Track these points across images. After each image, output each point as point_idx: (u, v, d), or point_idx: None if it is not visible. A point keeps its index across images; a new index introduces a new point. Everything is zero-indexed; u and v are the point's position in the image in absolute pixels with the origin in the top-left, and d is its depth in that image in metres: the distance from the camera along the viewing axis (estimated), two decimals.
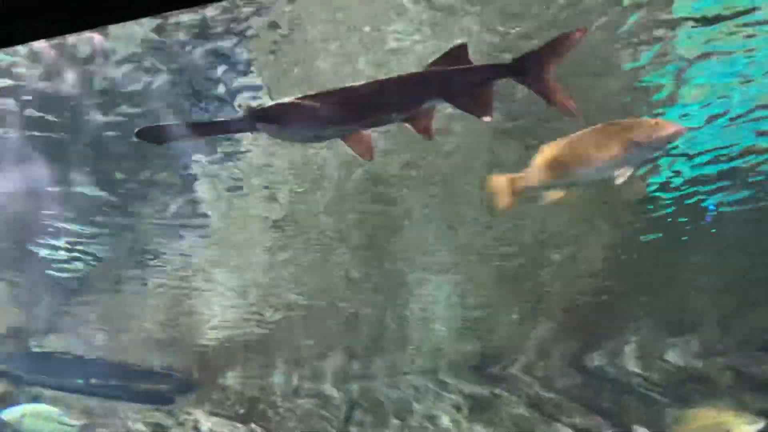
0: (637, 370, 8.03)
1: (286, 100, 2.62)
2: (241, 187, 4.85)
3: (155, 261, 5.98)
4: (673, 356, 7.93)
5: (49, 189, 4.80)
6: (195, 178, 4.71)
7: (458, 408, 8.09)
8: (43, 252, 5.95)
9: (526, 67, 2.46)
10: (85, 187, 4.79)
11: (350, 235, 5.61)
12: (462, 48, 2.59)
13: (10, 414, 7.03)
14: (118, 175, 4.69)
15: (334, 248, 5.87)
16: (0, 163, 4.43)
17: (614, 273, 6.79)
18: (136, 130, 2.63)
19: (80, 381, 8.45)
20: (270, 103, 2.89)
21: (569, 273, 6.68)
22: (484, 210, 5.07)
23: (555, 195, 3.22)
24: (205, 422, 8.07)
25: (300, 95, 2.59)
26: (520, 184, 3.23)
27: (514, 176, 3.23)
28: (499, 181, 3.27)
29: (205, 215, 5.25)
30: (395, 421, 8.07)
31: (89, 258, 5.97)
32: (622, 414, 7.77)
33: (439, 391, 8.29)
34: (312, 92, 2.57)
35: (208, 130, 3.15)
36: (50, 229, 5.51)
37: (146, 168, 4.56)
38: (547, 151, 3.14)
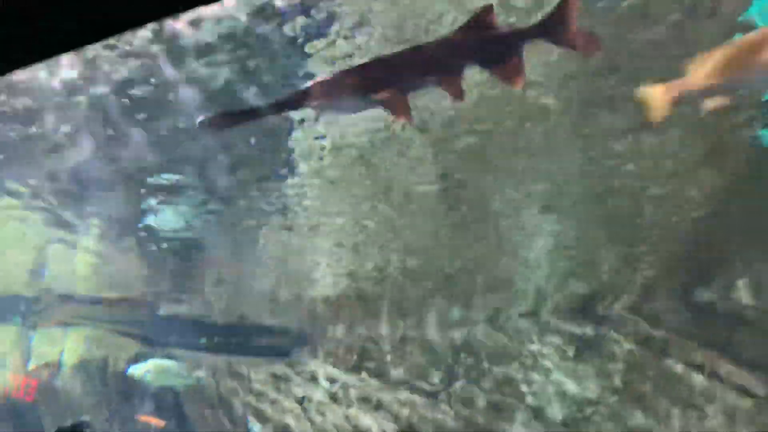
0: (751, 303, 7.78)
1: (326, 77, 2.79)
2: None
3: (267, 220, 6.34)
4: None
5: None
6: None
7: (564, 350, 8.14)
8: (159, 218, 6.42)
9: (554, 26, 2.50)
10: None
11: (449, 180, 5.71)
12: (488, 10, 2.62)
13: (136, 369, 7.61)
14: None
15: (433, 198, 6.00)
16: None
17: (723, 207, 6.55)
18: (197, 121, 2.85)
19: (204, 340, 9.15)
20: (311, 82, 3.02)
21: (675, 208, 6.51)
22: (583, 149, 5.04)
23: (715, 101, 3.14)
24: (321, 372, 8.55)
25: (339, 70, 2.74)
26: (678, 90, 3.12)
27: (670, 84, 3.14)
28: (654, 92, 3.17)
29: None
30: (499, 366, 8.21)
31: (206, 219, 6.36)
32: (738, 347, 7.59)
33: (542, 334, 8.35)
34: (350, 66, 2.71)
35: (262, 113, 3.30)
36: (165, 193, 5.93)
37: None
38: (707, 58, 3.05)
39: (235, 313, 9.09)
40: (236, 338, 8.96)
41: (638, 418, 7.24)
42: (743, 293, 7.95)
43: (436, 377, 8.19)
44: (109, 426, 7.99)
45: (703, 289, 8.12)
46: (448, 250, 7.33)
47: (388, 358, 8.65)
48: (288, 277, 8.10)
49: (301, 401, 8.19)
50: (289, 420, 8.16)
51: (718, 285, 8.05)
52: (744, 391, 6.93)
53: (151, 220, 6.47)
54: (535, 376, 8.00)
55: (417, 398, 7.99)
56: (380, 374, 8.44)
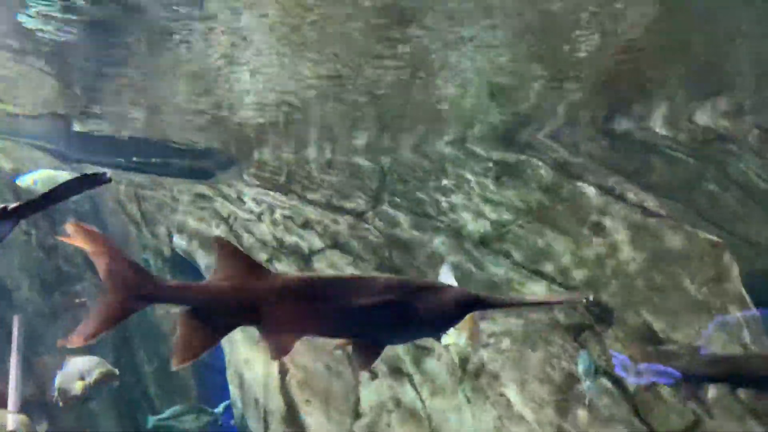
0: (665, 132, 8.17)
1: None
2: None
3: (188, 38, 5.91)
4: (701, 117, 8.01)
5: None
6: None
7: (485, 175, 8.38)
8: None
9: None
10: None
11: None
12: None
13: (23, 180, 6.96)
14: None
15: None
16: None
17: (649, 37, 6.59)
18: None
19: (122, 159, 8.83)
20: None
21: (601, 38, 6.51)
22: None
23: None
24: (247, 192, 8.51)
25: None
26: None
27: None
28: None
29: None
30: (422, 191, 8.39)
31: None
32: (648, 174, 8.05)
33: (466, 160, 8.54)
34: None
35: None
36: None
37: None
38: None
39: (157, 133, 8.74)
40: (157, 157, 8.70)
41: (550, 236, 7.67)
42: (658, 123, 8.31)
43: (362, 199, 8.33)
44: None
45: (621, 119, 8.43)
46: (377, 79, 7.15)
47: (315, 180, 8.69)
48: (213, 98, 7.75)
49: (226, 219, 8.19)
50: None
51: (636, 115, 8.37)
52: (649, 212, 7.44)
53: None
54: (457, 199, 8.24)
55: (343, 218, 8.13)
56: (307, 196, 8.49)
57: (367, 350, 2.86)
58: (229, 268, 2.70)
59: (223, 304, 2.67)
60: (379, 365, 6.98)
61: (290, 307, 2.73)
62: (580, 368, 5.79)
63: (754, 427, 5.68)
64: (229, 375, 7.20)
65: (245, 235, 7.89)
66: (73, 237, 2.49)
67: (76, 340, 2.48)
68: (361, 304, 2.74)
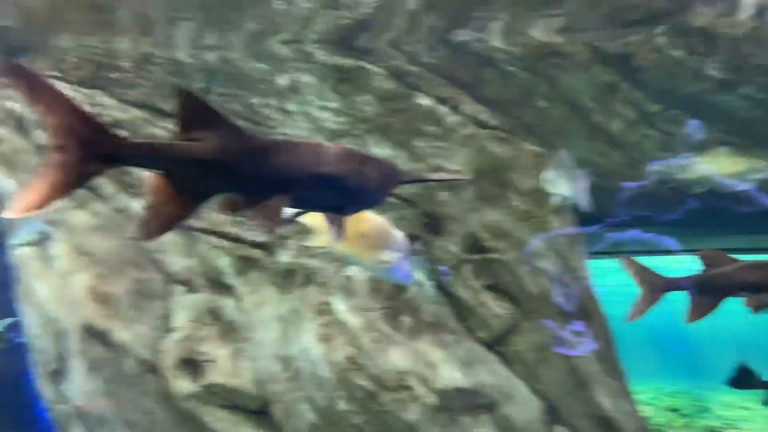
0: (501, 45, 8.10)
1: None
2: None
3: None
4: (536, 32, 8.01)
5: None
6: None
7: (322, 80, 7.90)
8: None
9: None
10: None
11: None
12: None
13: None
14: None
15: None
16: None
17: None
18: None
19: None
20: None
21: None
22: None
23: None
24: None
25: None
26: None
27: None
28: None
29: None
30: (254, 93, 7.77)
31: None
32: (482, 86, 8.00)
33: (303, 63, 7.98)
34: None
35: None
36: None
37: None
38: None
39: None
40: None
41: (385, 146, 7.44)
42: (495, 36, 8.21)
43: None
44: None
45: (460, 30, 8.23)
46: None
47: (129, 75, 7.68)
48: None
49: (19, 118, 7.03)
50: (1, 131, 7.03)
51: (474, 27, 8.20)
52: (481, 124, 7.40)
53: None
54: (291, 105, 7.74)
55: (163, 121, 7.31)
56: (117, 93, 7.50)
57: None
58: (198, 125, 2.31)
59: (202, 167, 2.32)
60: (197, 278, 6.44)
61: (272, 172, 2.48)
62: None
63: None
64: (20, 290, 6.29)
65: (39, 134, 6.82)
66: (11, 81, 1.96)
67: (20, 209, 1.95)
68: (339, 171, 2.63)
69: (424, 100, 7.66)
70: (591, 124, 8.16)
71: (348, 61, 7.96)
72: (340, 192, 2.70)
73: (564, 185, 6.08)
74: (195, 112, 2.32)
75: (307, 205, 2.83)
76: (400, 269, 3.78)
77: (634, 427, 6.36)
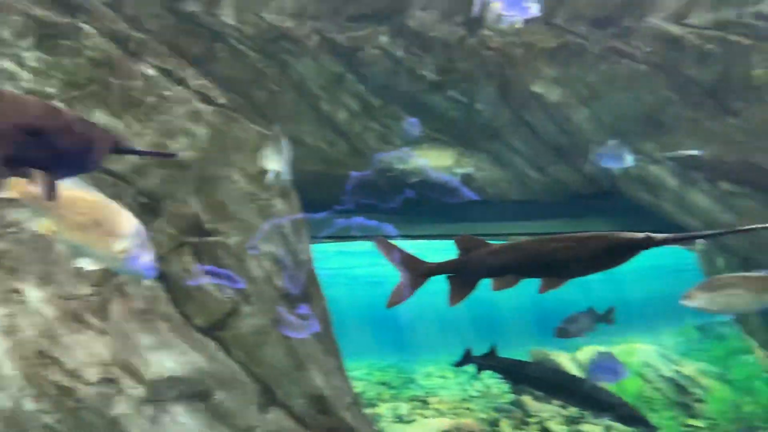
0: (232, 22, 7.86)
1: None
2: None
3: None
4: (268, 13, 7.93)
5: None
6: None
7: (25, 32, 6.86)
8: None
9: None
10: None
11: None
12: None
13: None
14: None
15: None
16: None
17: None
18: None
19: None
20: None
21: None
22: None
23: None
24: None
25: None
26: None
27: None
28: None
29: None
30: None
31: None
32: (213, 62, 7.69)
33: None
34: None
35: None
36: None
37: None
38: None
39: None
40: None
41: (102, 117, 6.73)
42: (227, 12, 7.96)
43: None
44: None
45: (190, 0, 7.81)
46: None
47: None
48: None
49: None
50: None
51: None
52: (207, 100, 7.10)
53: None
54: None
55: None
56: None
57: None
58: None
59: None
60: None
61: None
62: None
63: None
64: None
65: None
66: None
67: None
68: (41, 124, 2.37)
69: (147, 70, 7.09)
70: (319, 111, 8.36)
71: (57, 17, 7.02)
72: (45, 148, 2.38)
73: (276, 160, 6.11)
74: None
75: (6, 162, 2.44)
76: (138, 260, 3.34)
77: (345, 403, 6.68)
